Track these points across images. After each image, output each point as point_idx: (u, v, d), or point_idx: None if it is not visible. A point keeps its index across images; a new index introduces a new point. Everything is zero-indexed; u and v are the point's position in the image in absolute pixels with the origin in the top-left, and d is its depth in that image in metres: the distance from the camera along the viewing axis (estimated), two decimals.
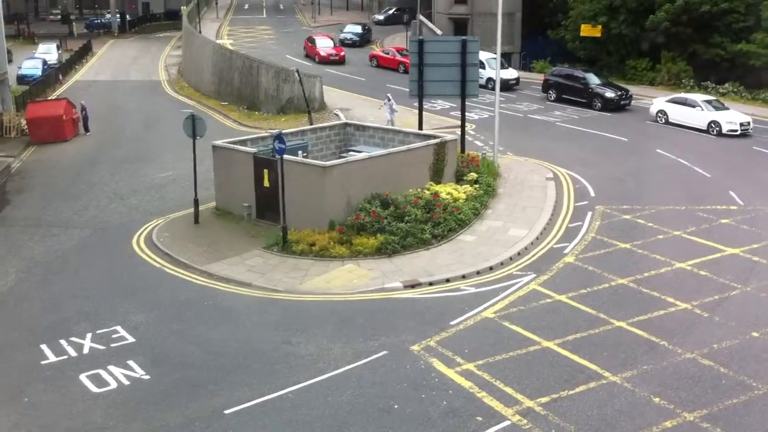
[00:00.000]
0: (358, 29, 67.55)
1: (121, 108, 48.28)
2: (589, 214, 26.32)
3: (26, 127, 40.87)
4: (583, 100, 45.17)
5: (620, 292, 20.14)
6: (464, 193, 26.47)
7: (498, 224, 25.24)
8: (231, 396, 15.18)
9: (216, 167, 27.48)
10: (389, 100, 37.57)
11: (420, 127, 31.79)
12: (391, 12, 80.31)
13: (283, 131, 25.92)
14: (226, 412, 14.61)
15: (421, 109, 32.42)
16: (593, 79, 46.05)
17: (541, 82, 49.22)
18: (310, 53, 60.94)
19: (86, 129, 41.55)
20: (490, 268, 21.90)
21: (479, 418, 14.22)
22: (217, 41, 61.89)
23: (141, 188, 31.14)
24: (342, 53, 59.79)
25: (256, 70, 47.26)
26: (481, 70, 39.62)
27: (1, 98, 43.19)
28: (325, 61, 58.31)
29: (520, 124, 40.78)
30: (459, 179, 28.05)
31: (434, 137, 28.31)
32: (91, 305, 19.98)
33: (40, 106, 41.85)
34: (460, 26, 61.87)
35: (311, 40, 62.00)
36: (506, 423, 14.06)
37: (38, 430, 14.23)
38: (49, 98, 47.74)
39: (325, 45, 60.35)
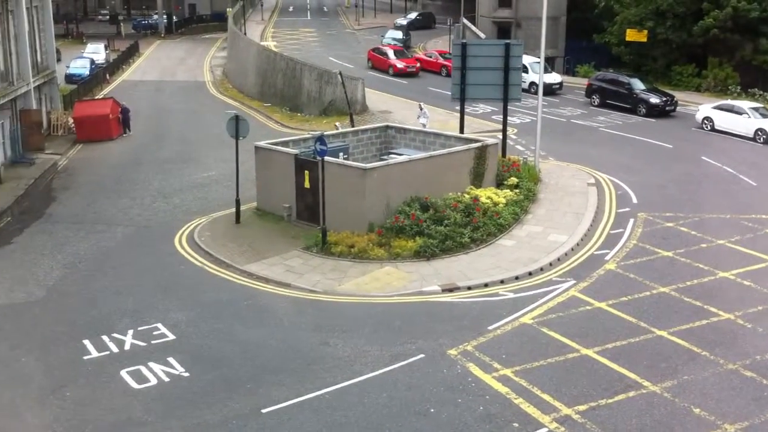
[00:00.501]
0: (399, 34, 67.45)
1: (166, 108, 48.95)
2: (631, 221, 26.02)
3: (73, 125, 41.68)
4: (628, 106, 44.64)
5: (662, 301, 19.87)
6: (504, 197, 26.34)
7: (538, 229, 25.07)
8: (268, 395, 15.29)
9: (258, 168, 27.72)
10: (421, 109, 38.22)
11: (461, 131, 31.71)
12: (413, 17, 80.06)
13: (325, 133, 26.06)
14: (264, 411, 14.72)
15: (462, 113, 32.33)
16: (638, 85, 45.50)
17: (585, 86, 48.78)
18: (380, 65, 56.79)
19: (127, 129, 42.08)
20: (530, 274, 21.76)
21: (516, 425, 14.13)
22: (262, 43, 62.46)
23: (184, 187, 31.54)
24: (417, 65, 56.24)
25: (299, 72, 47.58)
26: (524, 74, 39.36)
27: (49, 97, 44.10)
28: (402, 73, 54.78)
29: (563, 129, 40.46)
30: (499, 184, 27.92)
31: (475, 141, 28.22)
32: (133, 302, 20.28)
33: (87, 105, 42.65)
34: (503, 30, 61.63)
35: (380, 52, 58.05)
36: (543, 430, 13.95)
37: (79, 425, 14.47)
38: (96, 97, 48.61)
39: (399, 56, 56.75)
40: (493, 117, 41.18)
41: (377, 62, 57.51)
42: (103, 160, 37.04)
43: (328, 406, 14.92)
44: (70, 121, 42.10)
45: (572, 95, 49.75)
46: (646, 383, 15.60)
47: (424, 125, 36.16)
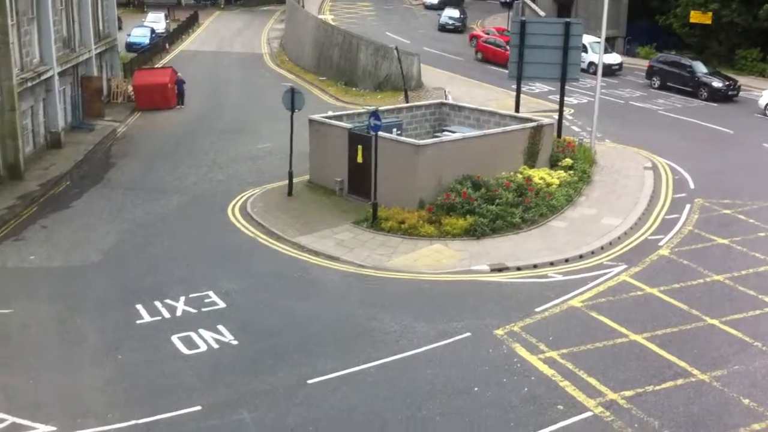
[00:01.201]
0: (457, 14, 66.57)
1: (223, 79, 49.40)
2: (688, 206, 25.53)
3: (132, 93, 42.36)
4: (689, 89, 43.68)
5: (715, 289, 19.51)
6: (558, 178, 26.07)
7: (591, 212, 24.77)
8: (314, 366, 15.47)
9: (311, 141, 27.86)
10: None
11: (516, 110, 31.41)
12: None
13: (379, 108, 26.04)
14: (309, 381, 14.91)
15: (518, 92, 32.00)
16: (700, 68, 44.44)
17: (645, 68, 47.81)
18: (495, 58, 50.42)
19: (181, 102, 42.13)
20: (580, 257, 21.55)
21: (560, 407, 14.08)
22: (319, 16, 62.45)
23: (238, 158, 31.89)
24: None
25: (355, 46, 47.53)
26: (583, 53, 38.72)
27: (110, 64, 44.85)
28: None
29: (621, 111, 39.78)
30: (553, 164, 27.63)
31: (530, 120, 27.94)
32: (186, 269, 20.66)
33: (146, 73, 43.29)
34: (564, 8, 60.61)
35: (496, 43, 52.09)
36: (588, 414, 13.87)
37: (130, 387, 14.85)
38: (156, 66, 49.28)
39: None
40: (550, 97, 40.66)
41: (491, 54, 51.39)
42: (160, 128, 37.63)
43: (373, 380, 15.05)
44: (130, 89, 42.80)
45: (632, 77, 48.81)
46: (695, 371, 15.38)
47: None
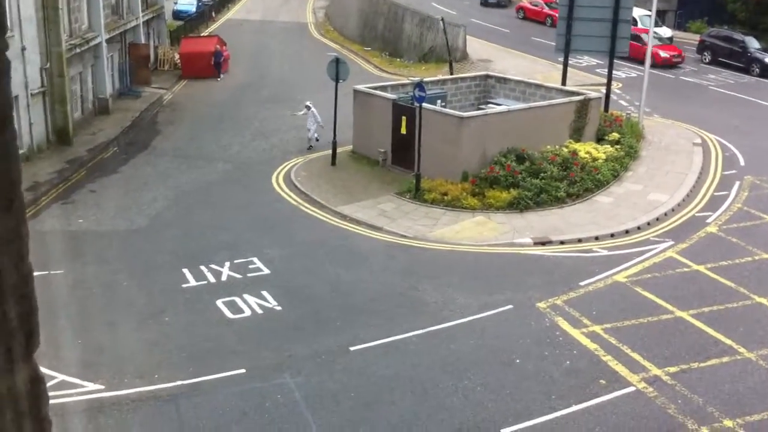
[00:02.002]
0: None
1: (269, 48, 49.47)
2: (737, 183, 25.04)
3: (179, 61, 42.63)
4: (741, 65, 42.62)
5: (763, 268, 19.16)
6: (604, 153, 25.73)
7: (637, 188, 24.44)
8: (356, 334, 15.58)
9: (355, 111, 27.84)
10: (310, 108, 29.14)
11: (563, 83, 30.97)
12: None
13: (424, 80, 25.89)
14: (351, 348, 15.02)
15: (566, 65, 31.55)
16: (753, 44, 43.30)
17: (696, 43, 46.74)
18: (633, 53, 38.97)
19: (218, 73, 41.13)
20: (626, 232, 21.30)
21: (602, 381, 14.01)
22: None
23: (283, 127, 32.00)
24: (681, 52, 44.04)
25: (400, 16, 47.20)
26: (632, 27, 37.86)
27: (157, 32, 45.18)
28: (667, 63, 42.67)
29: (670, 86, 39.01)
30: (600, 139, 27.26)
31: (577, 94, 27.56)
32: (231, 236, 20.88)
33: (192, 42, 43.53)
34: None
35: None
36: (630, 389, 13.78)
37: (176, 349, 15.11)
38: (202, 35, 49.50)
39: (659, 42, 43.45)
40: (597, 70, 40.00)
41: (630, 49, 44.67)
42: (206, 96, 37.88)
43: (414, 349, 15.11)
44: (176, 56, 43.07)
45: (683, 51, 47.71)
46: (741, 349, 15.17)
47: (314, 135, 28.81)
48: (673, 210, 22.83)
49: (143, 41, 40.78)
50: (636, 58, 39.55)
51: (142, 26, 40.53)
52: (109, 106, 34.05)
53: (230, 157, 28.13)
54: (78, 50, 31.23)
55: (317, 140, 28.74)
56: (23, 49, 27.00)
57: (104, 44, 33.93)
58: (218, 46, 42.23)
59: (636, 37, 40.92)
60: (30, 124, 27.67)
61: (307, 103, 29.42)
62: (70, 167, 26.87)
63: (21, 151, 26.75)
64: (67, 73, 29.57)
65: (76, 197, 24.23)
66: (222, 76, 41.47)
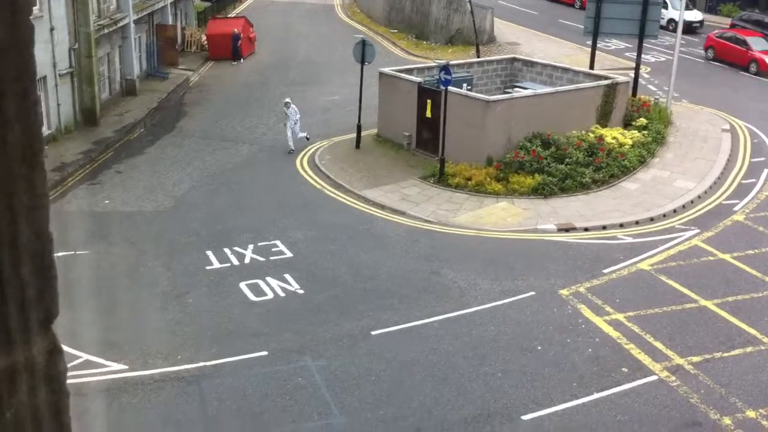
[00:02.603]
0: None
1: (295, 30, 49.41)
2: (766, 171, 24.69)
3: (206, 42, 42.70)
4: None
5: None
6: (631, 138, 25.47)
7: (664, 174, 24.19)
8: (378, 318, 15.63)
9: (381, 94, 27.76)
10: (289, 107, 26.66)
11: (591, 67, 30.64)
12: None
13: (450, 62, 25.73)
14: (373, 333, 15.08)
15: (594, 48, 31.20)
16: None
17: (727, 26, 45.97)
18: (732, 57, 38.90)
19: (236, 57, 40.32)
20: (651, 219, 21.13)
21: (624, 369, 13.95)
22: None
23: (307, 110, 31.91)
24: None
25: None
26: (662, 9, 37.39)
27: (184, 13, 45.28)
28: None
29: (700, 71, 38.46)
30: (627, 124, 26.99)
31: (605, 78, 27.28)
32: (254, 218, 20.98)
33: (219, 23, 43.54)
34: None
35: (734, 39, 39.68)
36: (653, 378, 13.72)
37: (199, 330, 15.26)
38: (229, 16, 49.53)
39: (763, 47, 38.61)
40: (626, 54, 39.53)
41: (728, 53, 39.64)
42: (232, 78, 37.96)
43: (435, 334, 15.13)
44: (203, 38, 43.15)
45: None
46: (766, 340, 15.02)
47: (293, 134, 26.51)
48: (699, 197, 22.59)
49: (171, 22, 40.89)
50: (738, 63, 38.19)
51: (169, 7, 40.61)
52: (137, 87, 34.23)
53: (255, 140, 28.20)
54: (106, 31, 31.39)
55: (299, 144, 26.32)
56: (52, 29, 27.20)
57: (132, 25, 34.07)
58: (237, 30, 41.49)
59: (740, 41, 39.08)
60: (58, 104, 27.92)
61: (286, 100, 26.95)
62: (97, 148, 27.10)
63: (48, 131, 27.16)
64: (95, 54, 29.74)
65: (102, 178, 24.46)
66: (242, 60, 40.71)
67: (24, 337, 1.08)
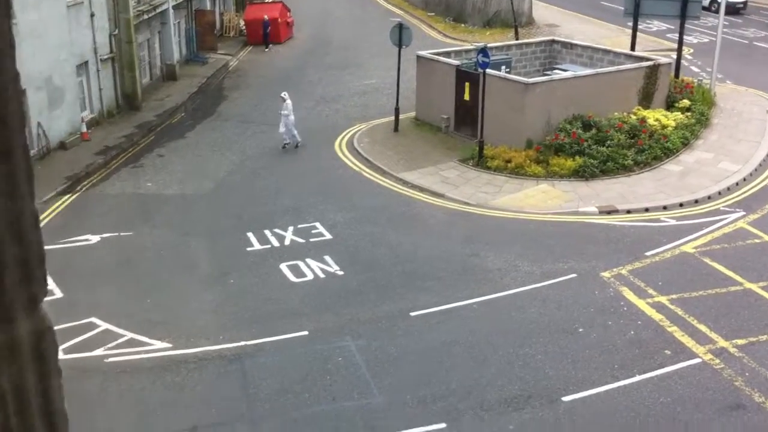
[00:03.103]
0: None
1: (332, 14, 49.41)
2: None
3: (244, 27, 42.90)
4: None
5: None
6: (674, 120, 25.08)
7: (708, 156, 23.79)
8: (417, 300, 15.64)
9: (419, 77, 27.66)
10: (285, 100, 25.26)
11: (632, 48, 30.19)
12: None
13: (488, 45, 25.53)
14: (412, 314, 15.09)
15: (635, 29, 30.73)
16: None
17: None
18: None
19: (267, 44, 40.48)
20: (695, 201, 20.81)
21: (667, 352, 13.79)
22: None
23: (345, 93, 32.02)
24: None
25: None
26: None
27: None
28: None
29: (744, 52, 37.68)
30: (669, 106, 26.57)
31: (647, 59, 26.87)
32: (294, 201, 21.08)
33: (257, 8, 43.70)
34: None
35: None
36: (696, 360, 13.54)
37: (240, 311, 15.40)
38: (267, 1, 49.66)
39: None
40: (668, 35, 38.92)
41: None
42: (270, 63, 38.11)
43: (475, 315, 15.10)
44: (242, 23, 43.36)
45: (757, 16, 46.07)
46: None
47: (288, 131, 25.27)
48: (744, 179, 22.19)
49: (209, 7, 41.13)
50: None
51: None
52: (177, 72, 34.52)
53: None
54: (146, 17, 31.67)
55: (293, 144, 25.21)
56: (92, 15, 27.52)
57: (171, 11, 34.34)
58: (266, 16, 41.52)
59: None
60: (99, 89, 28.28)
61: (282, 95, 25.59)
62: (139, 132, 27.41)
63: (91, 115, 27.54)
64: (135, 40, 30.04)
65: (144, 161, 24.75)
66: (271, 46, 40.67)
67: (7, 316, 1.08)
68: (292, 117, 25.18)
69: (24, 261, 1.09)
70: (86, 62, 27.38)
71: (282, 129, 25.22)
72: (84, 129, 26.27)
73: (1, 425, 1.13)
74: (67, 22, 25.97)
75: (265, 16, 41.14)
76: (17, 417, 1.14)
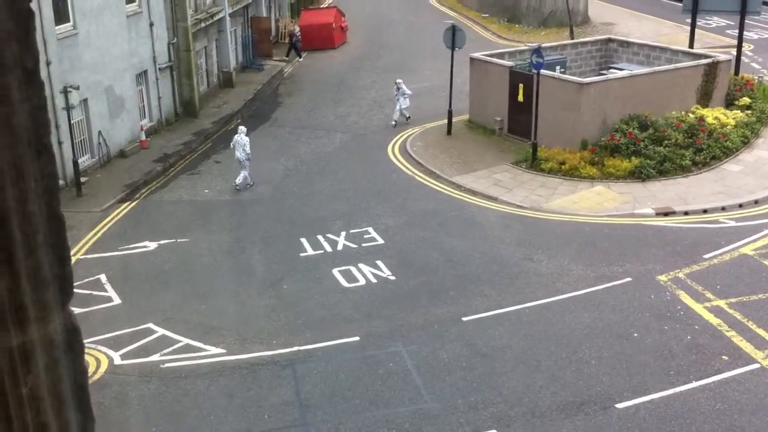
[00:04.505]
0: None
1: (385, 17, 49.56)
2: None
3: (299, 33, 43.28)
4: None
5: None
6: (734, 118, 24.49)
7: None
8: (469, 304, 15.59)
9: (472, 80, 27.57)
10: (398, 88, 28.05)
11: (691, 46, 29.58)
12: None
13: (542, 45, 25.31)
14: (464, 319, 15.06)
15: (693, 26, 30.10)
16: None
17: None
18: None
19: (298, 55, 40.32)
20: (755, 202, 20.30)
21: (725, 357, 13.49)
22: None
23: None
24: None
25: None
26: None
27: (278, 5, 46.02)
28: None
29: None
30: (729, 104, 25.96)
31: (705, 57, 26.29)
32: (347, 206, 21.23)
33: (312, 13, 44.12)
34: None
35: None
36: (755, 366, 13.21)
37: (293, 316, 15.57)
38: (321, 6, 50.07)
39: None
40: (727, 32, 37.99)
41: None
42: (325, 68, 38.41)
43: (528, 320, 14.99)
44: (297, 29, 43.76)
45: None
46: None
47: (401, 112, 28.12)
48: None
49: (265, 14, 41.65)
50: None
51: (263, 0, 41.36)
52: (233, 79, 35.05)
53: (347, 128, 28.48)
54: (203, 25, 32.25)
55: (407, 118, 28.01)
56: (151, 24, 28.14)
57: (228, 18, 34.89)
58: (296, 28, 41.35)
59: None
60: (158, 97, 28.89)
61: (397, 80, 28.60)
62: (197, 139, 27.92)
63: (150, 124, 28.16)
64: (193, 48, 30.61)
65: (201, 168, 25.21)
66: (302, 57, 40.12)
67: (40, 315, 1.14)
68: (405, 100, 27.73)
69: (53, 259, 1.16)
70: (145, 71, 28.01)
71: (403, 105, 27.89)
72: (143, 137, 26.88)
73: (35, 414, 1.20)
74: (127, 32, 26.62)
75: (297, 28, 41.35)
76: (53, 411, 1.22)
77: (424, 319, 15.16)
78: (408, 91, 27.96)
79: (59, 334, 1.17)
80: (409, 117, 28.25)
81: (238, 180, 22.79)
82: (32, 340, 1.14)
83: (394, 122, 28.10)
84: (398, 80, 28.54)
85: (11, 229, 1.08)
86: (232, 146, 23.19)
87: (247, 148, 22.64)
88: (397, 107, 28.12)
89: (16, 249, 1.10)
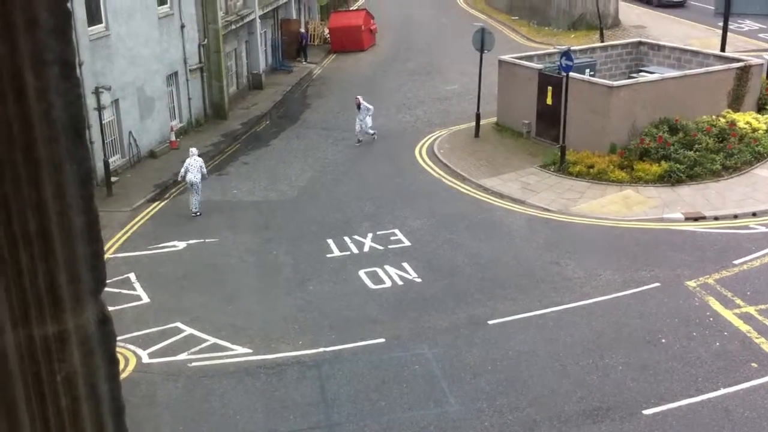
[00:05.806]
0: None
1: (414, 20, 49.59)
2: None
3: (328, 35, 43.49)
4: None
5: None
6: (766, 123, 24.20)
7: None
8: (495, 308, 15.56)
9: (500, 82, 27.50)
10: (359, 105, 26.82)
11: (722, 49, 29.25)
12: None
13: (572, 48, 25.19)
14: (490, 322, 15.03)
15: (725, 29, 29.73)
16: None
17: None
18: None
19: (305, 58, 40.16)
20: None
21: (754, 365, 13.33)
22: None
23: (426, 99, 32.09)
24: None
25: None
26: None
27: (307, 7, 46.27)
28: None
29: None
30: (761, 108, 25.64)
31: (737, 60, 26.00)
32: (374, 208, 21.27)
33: (341, 16, 44.26)
34: None
35: None
36: None
37: (319, 317, 15.64)
38: (350, 9, 50.22)
39: None
40: (760, 35, 37.57)
41: None
42: (353, 70, 38.52)
43: (554, 324, 14.92)
44: (326, 31, 43.96)
45: None
46: None
47: (362, 130, 26.88)
48: None
49: (294, 17, 41.86)
50: None
51: (293, 2, 41.60)
52: (263, 81, 35.27)
53: (375, 129, 28.48)
54: (233, 27, 32.49)
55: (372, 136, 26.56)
56: (182, 26, 28.42)
57: (258, 21, 35.12)
58: (303, 30, 41.47)
59: None
60: (189, 98, 29.17)
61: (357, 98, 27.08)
62: (226, 140, 28.14)
63: (180, 125, 28.42)
64: (223, 49, 30.85)
65: (230, 169, 25.39)
66: (306, 60, 39.82)
67: (74, 304, 1.18)
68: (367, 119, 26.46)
69: (87, 249, 1.19)
70: (176, 72, 28.29)
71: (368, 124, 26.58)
72: (173, 138, 27.15)
73: (70, 401, 1.23)
74: (158, 34, 26.91)
75: (302, 30, 41.39)
76: (87, 402, 1.25)
77: (449, 321, 15.15)
78: (370, 107, 26.49)
79: (92, 324, 1.21)
80: (375, 134, 26.81)
81: (194, 207, 21.11)
82: (67, 329, 1.18)
83: (358, 141, 26.73)
84: (358, 96, 27.13)
85: (49, 221, 1.12)
86: (182, 173, 21.27)
87: (204, 170, 21.30)
88: (359, 126, 26.62)
89: (54, 240, 1.14)
